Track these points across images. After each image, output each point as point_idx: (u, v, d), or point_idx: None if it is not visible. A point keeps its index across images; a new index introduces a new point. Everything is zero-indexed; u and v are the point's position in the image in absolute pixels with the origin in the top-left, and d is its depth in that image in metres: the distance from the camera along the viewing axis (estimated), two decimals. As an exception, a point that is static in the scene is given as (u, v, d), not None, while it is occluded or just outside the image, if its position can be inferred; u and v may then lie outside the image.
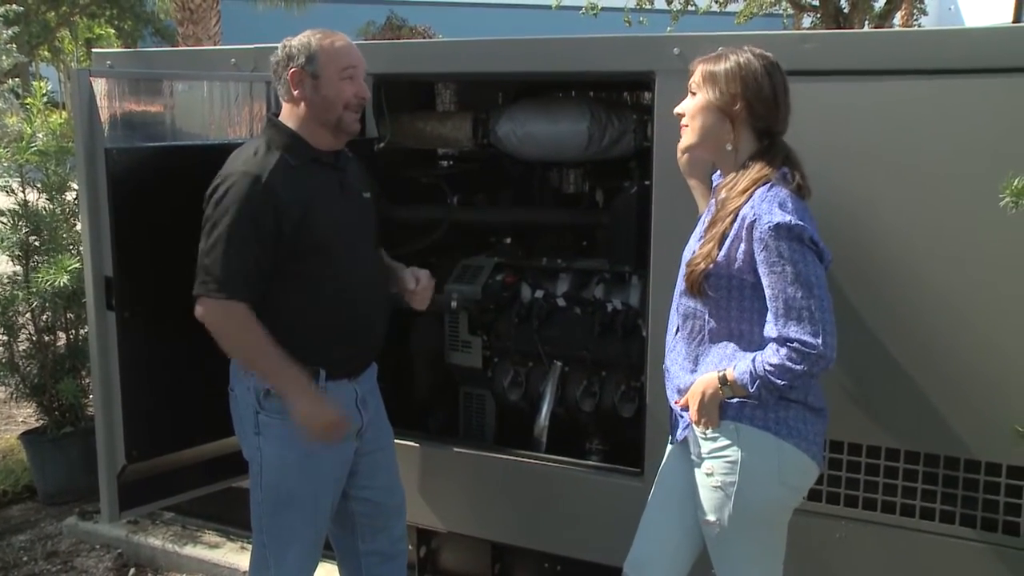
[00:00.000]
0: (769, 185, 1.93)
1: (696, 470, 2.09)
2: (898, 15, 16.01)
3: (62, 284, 3.62)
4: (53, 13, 18.43)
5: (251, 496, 2.40)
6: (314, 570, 2.46)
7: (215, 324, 2.21)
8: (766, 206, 1.90)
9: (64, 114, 4.39)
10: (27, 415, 4.79)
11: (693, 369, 2.08)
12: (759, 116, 1.98)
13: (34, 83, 4.13)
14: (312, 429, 2.24)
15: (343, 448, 2.41)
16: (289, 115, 2.32)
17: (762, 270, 1.90)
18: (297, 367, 2.23)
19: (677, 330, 2.13)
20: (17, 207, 3.86)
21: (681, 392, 2.10)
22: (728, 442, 2.01)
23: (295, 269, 2.26)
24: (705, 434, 2.04)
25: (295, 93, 2.28)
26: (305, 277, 2.28)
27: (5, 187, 3.91)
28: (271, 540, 2.38)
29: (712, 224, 2.00)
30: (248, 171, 2.20)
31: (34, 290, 3.69)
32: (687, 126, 2.07)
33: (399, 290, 2.55)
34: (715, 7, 16.63)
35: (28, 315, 3.92)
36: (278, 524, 2.37)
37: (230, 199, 2.18)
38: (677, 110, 2.10)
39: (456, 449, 3.03)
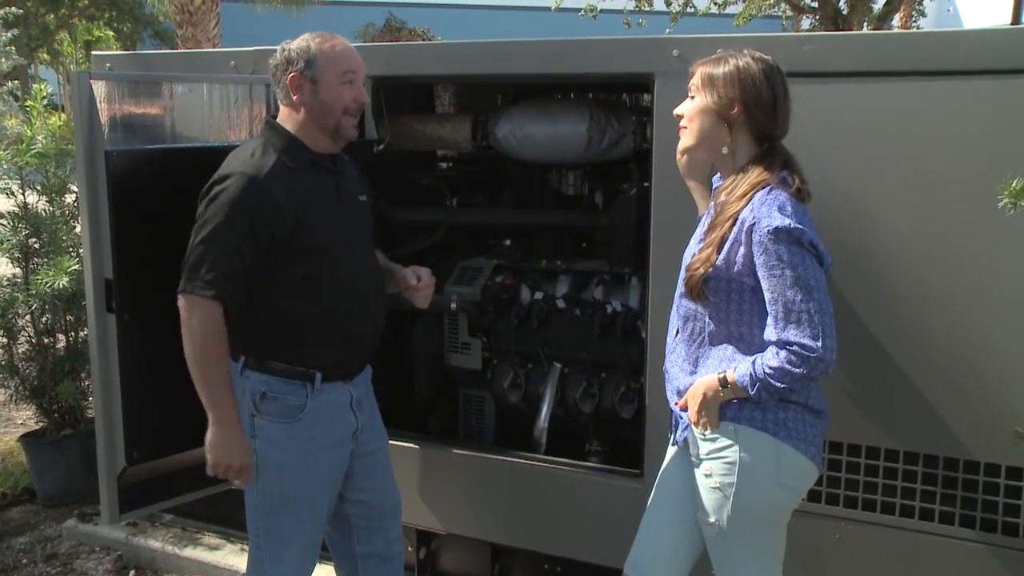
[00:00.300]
0: (768, 189, 1.94)
1: (695, 471, 2.09)
2: (896, 17, 16.01)
3: (62, 286, 3.63)
4: (52, 15, 18.43)
5: (246, 499, 2.40)
6: (311, 572, 2.46)
7: (189, 320, 2.20)
8: (765, 209, 1.90)
9: (64, 116, 4.40)
10: (27, 417, 4.79)
11: (693, 371, 2.08)
12: (757, 120, 1.99)
13: (34, 85, 4.13)
14: (217, 464, 2.27)
15: (339, 451, 2.42)
16: (287, 118, 2.32)
17: (761, 273, 1.91)
18: (233, 398, 2.26)
19: (677, 332, 2.14)
20: (17, 209, 3.87)
21: (681, 394, 2.10)
22: (727, 443, 2.01)
23: (291, 271, 2.26)
24: (704, 435, 2.04)
25: (294, 98, 2.28)
26: (301, 279, 2.28)
27: (5, 189, 3.91)
28: (268, 543, 2.38)
29: (711, 228, 2.00)
30: (245, 171, 2.20)
31: (34, 292, 3.70)
32: (686, 128, 2.08)
33: (400, 289, 2.55)
34: (714, 9, 16.64)
35: (28, 317, 3.92)
36: (274, 527, 2.37)
37: (225, 198, 2.18)
38: (676, 111, 2.11)
39: (456, 451, 3.04)
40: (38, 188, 3.93)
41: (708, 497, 2.05)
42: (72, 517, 3.77)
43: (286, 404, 2.30)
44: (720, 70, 2.00)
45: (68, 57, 20.67)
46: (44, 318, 3.95)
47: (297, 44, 2.28)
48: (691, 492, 2.12)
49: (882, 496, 2.44)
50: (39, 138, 3.87)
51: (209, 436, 2.26)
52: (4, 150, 3.88)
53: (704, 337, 2.05)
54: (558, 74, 2.86)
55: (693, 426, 2.06)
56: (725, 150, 2.02)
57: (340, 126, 2.29)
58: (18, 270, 3.89)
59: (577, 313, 3.13)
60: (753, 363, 1.93)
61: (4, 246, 3.80)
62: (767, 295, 1.91)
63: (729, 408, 2.00)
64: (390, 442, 2.66)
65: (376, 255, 2.55)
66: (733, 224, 1.94)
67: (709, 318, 2.03)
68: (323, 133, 2.30)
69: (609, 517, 2.72)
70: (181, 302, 2.21)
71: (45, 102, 4.05)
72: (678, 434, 2.17)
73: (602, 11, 15.95)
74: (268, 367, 2.29)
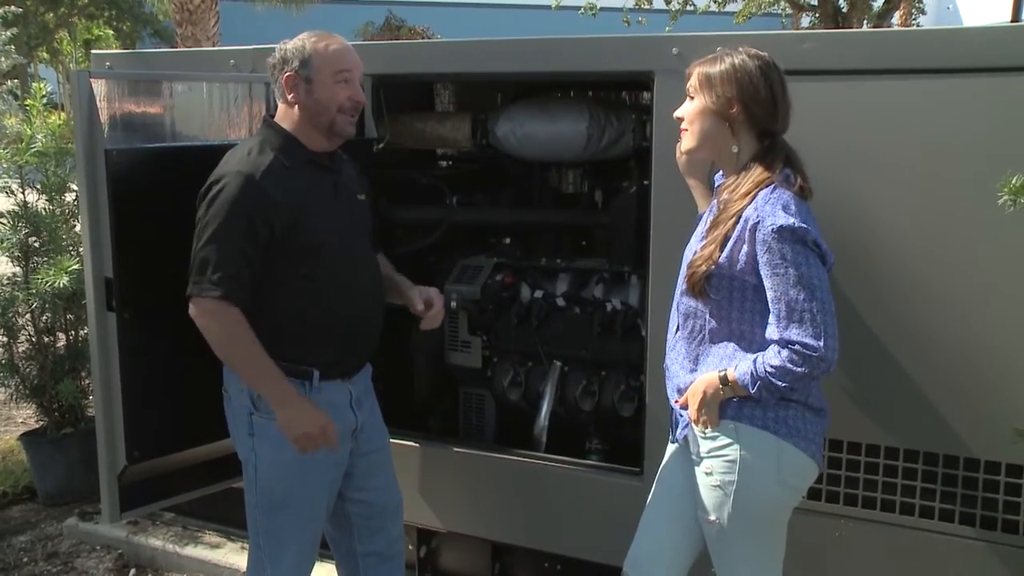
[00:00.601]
0: (772, 187, 1.93)
1: (696, 469, 2.09)
2: (896, 15, 16.01)
3: (62, 285, 3.62)
4: (52, 14, 18.44)
5: (246, 498, 2.40)
6: (310, 571, 2.46)
7: (206, 324, 2.20)
8: (769, 208, 1.90)
9: (63, 115, 4.40)
10: (27, 416, 4.79)
11: (693, 368, 2.08)
12: (757, 117, 1.98)
13: (34, 84, 4.13)
14: (298, 438, 2.24)
15: (338, 449, 2.41)
16: (284, 117, 2.32)
17: (764, 272, 1.91)
18: (283, 375, 2.24)
19: (677, 329, 2.13)
20: (17, 208, 3.86)
21: (681, 391, 2.10)
22: (727, 441, 2.01)
23: (289, 270, 2.26)
24: (704, 433, 2.04)
25: (289, 96, 2.28)
26: (299, 278, 2.28)
27: (5, 188, 3.91)
28: (267, 542, 2.38)
29: (714, 226, 2.00)
30: (241, 171, 2.20)
31: (34, 291, 3.69)
32: (686, 130, 2.07)
33: (411, 310, 2.55)
34: (714, 7, 16.62)
35: (28, 316, 3.92)
36: (274, 526, 2.37)
37: (223, 199, 2.18)
38: (676, 114, 2.10)
39: (456, 449, 3.04)
40: (38, 187, 3.93)
41: (709, 495, 2.05)
42: (73, 516, 3.77)
43: None
44: (716, 69, 1.99)
45: (68, 56, 20.68)
46: (44, 317, 3.95)
47: (293, 43, 2.28)
48: (691, 490, 2.12)
49: (882, 494, 2.44)
50: (39, 137, 3.87)
51: (279, 419, 2.24)
52: (4, 149, 3.88)
53: (705, 335, 2.05)
54: (558, 72, 2.86)
55: (693, 424, 2.06)
56: (735, 148, 2.01)
57: (335, 124, 2.29)
58: (18, 269, 3.88)
59: (577, 311, 3.13)
60: (754, 362, 1.93)
61: (4, 245, 3.79)
62: (770, 294, 1.91)
63: (729, 406, 2.00)
64: (390, 440, 2.66)
65: (378, 257, 2.55)
66: (736, 222, 1.94)
67: (710, 315, 2.03)
68: (319, 132, 2.31)
69: (609, 515, 2.72)
70: (191, 308, 2.21)
71: (44, 101, 4.05)
72: (678, 432, 2.17)
73: (602, 9, 15.96)
74: (267, 365, 2.29)
